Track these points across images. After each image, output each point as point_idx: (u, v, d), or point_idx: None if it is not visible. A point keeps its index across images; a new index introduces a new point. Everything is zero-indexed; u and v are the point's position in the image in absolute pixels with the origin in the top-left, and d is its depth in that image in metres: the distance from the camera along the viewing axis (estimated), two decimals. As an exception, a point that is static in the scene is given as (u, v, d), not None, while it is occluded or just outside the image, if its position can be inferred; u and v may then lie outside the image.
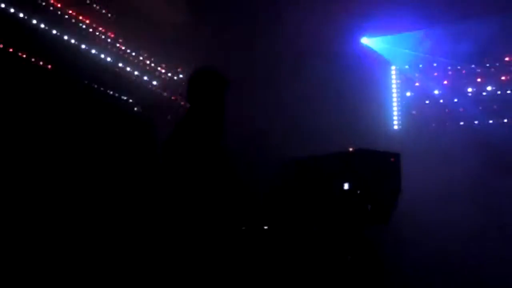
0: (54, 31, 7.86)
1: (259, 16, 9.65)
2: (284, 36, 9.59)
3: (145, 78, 9.55)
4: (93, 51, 8.51)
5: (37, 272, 5.76)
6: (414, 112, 11.08)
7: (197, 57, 9.18)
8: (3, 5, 7.16)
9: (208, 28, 9.38)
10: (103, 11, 8.80)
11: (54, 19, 7.93)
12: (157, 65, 9.90)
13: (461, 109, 10.76)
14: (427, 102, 11.02)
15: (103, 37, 8.81)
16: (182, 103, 9.75)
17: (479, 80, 10.64)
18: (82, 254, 6.14)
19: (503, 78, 10.46)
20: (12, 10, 7.29)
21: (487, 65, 10.59)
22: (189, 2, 9.15)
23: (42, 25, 7.69)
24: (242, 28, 9.62)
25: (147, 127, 8.15)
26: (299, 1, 9.54)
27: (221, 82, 4.33)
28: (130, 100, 8.91)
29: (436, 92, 10.94)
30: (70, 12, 8.16)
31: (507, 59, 10.49)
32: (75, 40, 8.22)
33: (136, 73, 9.39)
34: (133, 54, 9.35)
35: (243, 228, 4.51)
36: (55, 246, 6.07)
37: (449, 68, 10.87)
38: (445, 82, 10.87)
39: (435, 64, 10.95)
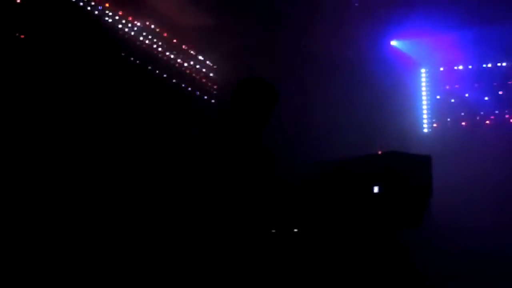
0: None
1: (292, 21, 9.67)
2: (316, 41, 9.60)
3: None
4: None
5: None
6: (444, 115, 10.99)
7: (227, 59, 9.25)
8: None
9: (245, 32, 9.45)
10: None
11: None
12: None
13: (492, 112, 10.67)
14: (457, 104, 10.93)
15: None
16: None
17: (510, 82, 10.55)
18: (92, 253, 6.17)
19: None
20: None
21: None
22: (216, 5, 9.19)
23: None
24: (274, 32, 9.65)
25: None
26: (330, 6, 9.53)
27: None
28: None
29: (466, 95, 10.85)
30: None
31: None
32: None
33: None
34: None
35: (273, 230, 4.52)
36: (57, 245, 6.09)
37: (479, 70, 10.78)
38: (476, 84, 10.78)
39: (462, 67, 10.87)
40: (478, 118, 10.76)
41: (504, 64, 10.62)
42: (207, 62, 9.95)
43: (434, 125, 11.01)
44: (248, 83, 4.41)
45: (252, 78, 4.43)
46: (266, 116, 4.36)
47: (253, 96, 4.32)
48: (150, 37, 8.68)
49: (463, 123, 10.82)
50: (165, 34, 8.97)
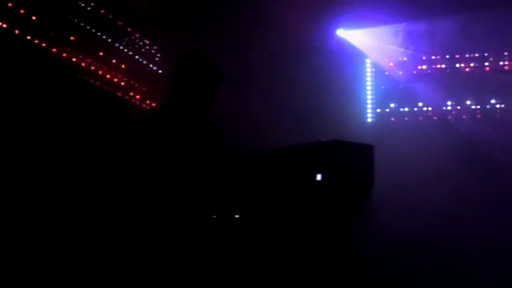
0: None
1: (240, 7, 9.63)
2: (262, 28, 9.57)
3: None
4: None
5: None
6: (388, 105, 11.10)
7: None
8: None
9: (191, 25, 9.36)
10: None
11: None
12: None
13: (433, 103, 10.84)
14: (400, 95, 11.06)
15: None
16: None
17: (453, 75, 10.73)
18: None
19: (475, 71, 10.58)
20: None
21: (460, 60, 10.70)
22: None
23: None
24: (222, 24, 9.60)
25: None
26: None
27: (216, 72, 4.32)
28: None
29: (410, 86, 10.99)
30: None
31: (477, 54, 10.59)
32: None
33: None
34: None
35: (214, 216, 4.48)
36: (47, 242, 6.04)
37: (424, 62, 10.92)
38: (419, 75, 10.92)
39: (407, 58, 10.99)
40: (420, 108, 10.92)
41: (447, 56, 10.79)
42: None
43: (378, 110, 11.11)
44: (191, 59, 4.33)
45: (194, 54, 4.34)
46: (210, 94, 4.27)
47: (196, 72, 4.25)
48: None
49: (406, 114, 10.97)
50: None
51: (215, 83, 4.31)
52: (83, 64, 8.39)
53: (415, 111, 10.94)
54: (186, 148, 4.09)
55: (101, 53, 8.73)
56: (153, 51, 10.05)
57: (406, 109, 11.00)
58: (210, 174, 4.19)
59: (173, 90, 4.25)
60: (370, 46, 11.00)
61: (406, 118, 10.94)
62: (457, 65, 10.72)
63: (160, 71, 10.11)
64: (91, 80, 8.56)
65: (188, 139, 4.12)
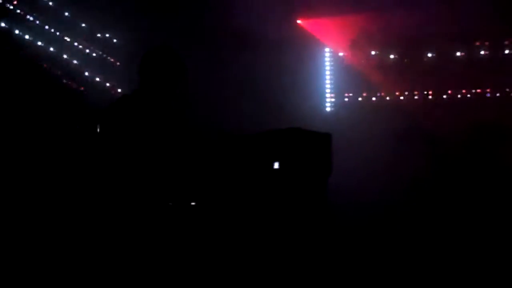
0: None
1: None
2: (222, 16, 9.55)
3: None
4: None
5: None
6: (346, 94, 11.19)
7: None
8: None
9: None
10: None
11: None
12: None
13: (390, 92, 10.98)
14: (359, 84, 11.15)
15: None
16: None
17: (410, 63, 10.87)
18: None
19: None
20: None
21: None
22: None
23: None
24: (179, 17, 9.58)
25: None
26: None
27: (180, 66, 4.41)
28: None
29: (367, 75, 11.07)
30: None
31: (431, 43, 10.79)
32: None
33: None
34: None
35: (170, 203, 4.46)
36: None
37: (380, 51, 11.02)
38: (376, 65, 11.02)
39: (366, 47, 11.07)
40: (377, 97, 11.02)
41: (404, 45, 10.91)
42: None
43: (336, 99, 11.21)
44: (156, 51, 4.38)
45: (160, 46, 4.40)
46: (173, 85, 4.38)
47: (160, 64, 4.32)
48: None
49: (364, 103, 11.07)
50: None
51: (180, 78, 4.43)
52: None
53: (372, 99, 11.04)
54: (144, 136, 4.11)
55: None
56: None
57: (364, 98, 11.09)
58: (165, 162, 4.21)
59: (140, 82, 4.29)
60: (329, 35, 11.05)
61: (364, 107, 11.04)
62: (414, 54, 10.87)
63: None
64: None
65: (146, 128, 4.15)
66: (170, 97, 4.44)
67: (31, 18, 8.42)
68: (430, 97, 10.83)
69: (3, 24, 7.80)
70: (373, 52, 11.02)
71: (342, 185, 7.74)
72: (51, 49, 8.71)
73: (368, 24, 10.52)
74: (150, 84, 4.32)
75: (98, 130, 4.17)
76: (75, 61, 9.11)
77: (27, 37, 8.26)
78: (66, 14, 9.02)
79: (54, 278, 5.79)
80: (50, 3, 8.73)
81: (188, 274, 4.61)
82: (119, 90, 9.53)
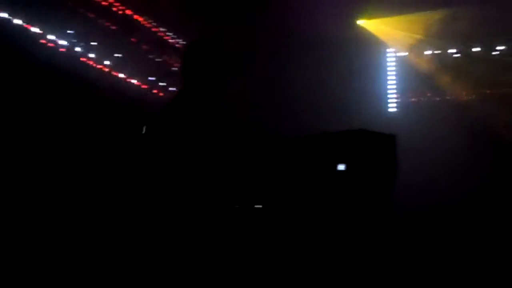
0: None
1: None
2: (284, 20, 9.54)
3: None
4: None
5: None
6: (410, 95, 10.98)
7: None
8: None
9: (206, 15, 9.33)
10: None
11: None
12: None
13: (456, 93, 10.72)
14: (423, 85, 10.93)
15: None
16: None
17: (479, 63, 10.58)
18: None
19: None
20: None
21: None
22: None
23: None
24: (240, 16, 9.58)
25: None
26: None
27: (219, 54, 4.10)
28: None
29: (432, 75, 10.85)
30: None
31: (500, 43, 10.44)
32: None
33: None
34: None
35: (236, 206, 4.42)
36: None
37: (446, 50, 10.78)
38: (441, 64, 10.77)
39: (430, 47, 10.85)
40: (443, 98, 10.78)
41: (470, 44, 10.64)
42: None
43: (400, 100, 10.99)
44: (199, 45, 4.15)
45: (203, 40, 4.17)
46: (220, 84, 4.11)
47: (204, 59, 4.06)
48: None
49: (429, 103, 10.84)
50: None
51: (225, 71, 4.12)
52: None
53: (437, 100, 10.81)
54: (199, 142, 3.98)
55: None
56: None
57: (429, 98, 10.87)
58: (227, 167, 4.10)
59: (184, 81, 4.10)
60: (391, 35, 10.87)
61: (429, 107, 10.81)
62: (480, 53, 10.57)
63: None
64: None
65: (200, 132, 3.99)
66: (219, 96, 4.13)
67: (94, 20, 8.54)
68: (498, 97, 10.44)
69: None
70: (437, 51, 10.79)
71: (408, 187, 7.62)
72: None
73: (432, 23, 10.30)
74: (195, 83, 4.06)
75: (155, 134, 4.05)
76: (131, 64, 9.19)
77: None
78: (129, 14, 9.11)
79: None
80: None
81: (257, 275, 4.56)
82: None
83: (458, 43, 10.66)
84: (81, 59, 8.30)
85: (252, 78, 8.98)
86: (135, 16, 9.22)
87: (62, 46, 7.96)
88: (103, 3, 8.60)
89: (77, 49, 8.21)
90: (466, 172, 9.09)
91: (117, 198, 6.50)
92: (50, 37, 7.77)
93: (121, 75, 8.98)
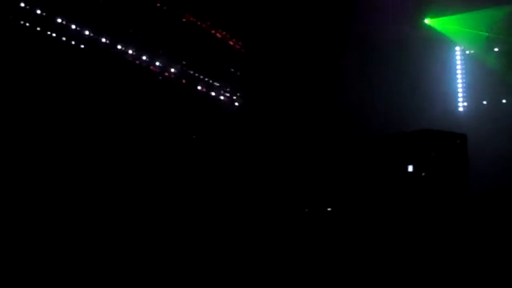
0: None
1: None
2: (354, 24, 9.56)
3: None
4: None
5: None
6: (480, 94, 10.76)
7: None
8: None
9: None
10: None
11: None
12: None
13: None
14: (493, 84, 10.69)
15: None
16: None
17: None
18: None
19: None
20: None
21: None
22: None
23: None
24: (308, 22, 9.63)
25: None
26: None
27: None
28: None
29: (503, 74, 10.60)
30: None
31: None
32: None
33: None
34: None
35: (306, 210, 4.45)
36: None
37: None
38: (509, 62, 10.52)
39: (499, 45, 10.62)
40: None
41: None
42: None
43: (469, 99, 10.78)
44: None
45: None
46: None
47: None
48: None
49: (499, 103, 10.59)
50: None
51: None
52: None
53: (508, 99, 10.55)
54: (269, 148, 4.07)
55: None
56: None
57: (499, 98, 10.63)
58: (299, 170, 4.16)
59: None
60: (459, 33, 10.70)
61: (500, 108, 10.57)
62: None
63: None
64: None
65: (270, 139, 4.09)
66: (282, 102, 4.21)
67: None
68: None
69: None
70: (506, 48, 10.55)
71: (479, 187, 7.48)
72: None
73: (499, 19, 10.10)
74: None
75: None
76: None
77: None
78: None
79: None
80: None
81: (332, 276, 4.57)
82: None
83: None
84: (149, 67, 8.48)
85: (326, 81, 9.00)
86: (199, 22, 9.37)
87: (128, 54, 8.16)
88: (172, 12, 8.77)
89: (144, 57, 8.39)
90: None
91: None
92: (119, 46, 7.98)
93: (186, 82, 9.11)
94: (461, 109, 10.83)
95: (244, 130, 3.84)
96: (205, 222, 5.24)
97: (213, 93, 9.46)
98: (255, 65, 3.89)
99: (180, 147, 7.53)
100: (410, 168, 5.54)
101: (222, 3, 9.21)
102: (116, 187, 6.77)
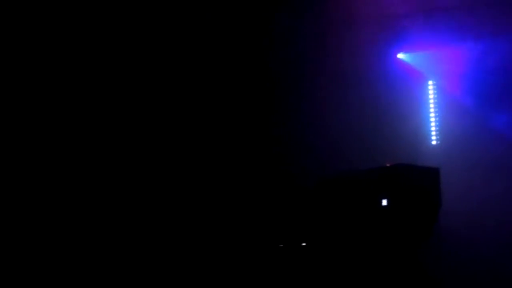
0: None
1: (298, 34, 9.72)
2: (322, 54, 9.63)
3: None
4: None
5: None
6: (452, 126, 10.90)
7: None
8: None
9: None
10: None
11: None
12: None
13: (501, 124, 10.58)
14: (465, 116, 10.84)
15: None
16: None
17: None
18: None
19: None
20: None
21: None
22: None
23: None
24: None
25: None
26: (336, 19, 9.59)
27: None
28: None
29: (474, 107, 10.76)
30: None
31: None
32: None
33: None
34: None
35: (281, 245, 4.47)
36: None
37: (488, 82, 10.70)
38: (484, 96, 10.69)
39: (470, 79, 10.79)
40: (487, 129, 10.67)
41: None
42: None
43: (442, 132, 10.91)
44: None
45: None
46: None
47: None
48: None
49: (472, 136, 10.73)
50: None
51: None
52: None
53: (481, 132, 10.70)
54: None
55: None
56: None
57: (472, 130, 10.77)
58: (273, 203, 4.19)
59: None
60: (432, 68, 10.87)
61: (473, 140, 10.70)
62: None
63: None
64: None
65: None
66: None
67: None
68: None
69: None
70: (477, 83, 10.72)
71: (453, 220, 7.56)
72: None
73: (471, 55, 10.29)
74: None
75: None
76: None
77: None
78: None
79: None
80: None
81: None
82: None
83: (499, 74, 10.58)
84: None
85: (293, 115, 9.05)
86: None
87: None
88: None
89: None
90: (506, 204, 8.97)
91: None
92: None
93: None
94: (434, 142, 10.96)
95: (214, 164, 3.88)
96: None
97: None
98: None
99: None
100: (384, 202, 5.59)
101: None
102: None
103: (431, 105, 11.11)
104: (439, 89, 11.11)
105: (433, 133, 11.01)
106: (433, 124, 11.05)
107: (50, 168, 6.72)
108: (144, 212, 6.89)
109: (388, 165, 5.70)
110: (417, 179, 5.80)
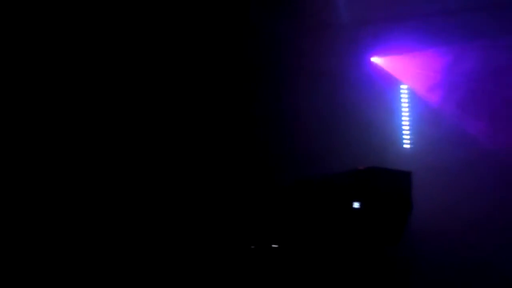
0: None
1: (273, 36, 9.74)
2: (297, 57, 9.66)
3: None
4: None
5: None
6: (424, 130, 11.00)
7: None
8: None
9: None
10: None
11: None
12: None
13: (472, 129, 10.69)
14: (437, 121, 10.95)
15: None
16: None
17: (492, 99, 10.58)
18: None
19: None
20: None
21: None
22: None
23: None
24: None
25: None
26: (311, 22, 9.63)
27: None
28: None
29: (447, 111, 10.87)
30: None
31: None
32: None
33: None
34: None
35: (252, 247, 4.49)
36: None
37: (460, 87, 10.81)
38: (456, 101, 10.81)
39: (444, 84, 10.90)
40: (459, 134, 10.78)
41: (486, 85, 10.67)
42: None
43: (414, 136, 11.01)
44: None
45: None
46: None
47: None
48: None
49: (444, 140, 10.83)
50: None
51: None
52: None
53: (453, 136, 10.81)
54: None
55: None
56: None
57: (444, 134, 10.87)
58: (246, 205, 4.22)
59: None
60: (406, 72, 10.96)
61: (445, 144, 10.81)
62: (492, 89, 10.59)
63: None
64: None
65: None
66: None
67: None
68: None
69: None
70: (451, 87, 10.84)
71: (423, 223, 7.62)
72: None
73: (444, 59, 10.39)
74: None
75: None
76: None
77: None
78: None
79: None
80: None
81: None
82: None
83: (474, 77, 10.69)
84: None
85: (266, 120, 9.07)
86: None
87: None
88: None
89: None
90: (487, 208, 9.07)
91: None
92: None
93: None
94: (406, 146, 11.05)
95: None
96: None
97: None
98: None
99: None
100: (356, 205, 5.63)
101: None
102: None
103: (404, 109, 11.20)
104: (412, 93, 11.21)
105: (406, 136, 11.10)
106: (405, 128, 11.14)
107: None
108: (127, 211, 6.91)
109: (361, 168, 5.75)
110: (389, 182, 5.86)
